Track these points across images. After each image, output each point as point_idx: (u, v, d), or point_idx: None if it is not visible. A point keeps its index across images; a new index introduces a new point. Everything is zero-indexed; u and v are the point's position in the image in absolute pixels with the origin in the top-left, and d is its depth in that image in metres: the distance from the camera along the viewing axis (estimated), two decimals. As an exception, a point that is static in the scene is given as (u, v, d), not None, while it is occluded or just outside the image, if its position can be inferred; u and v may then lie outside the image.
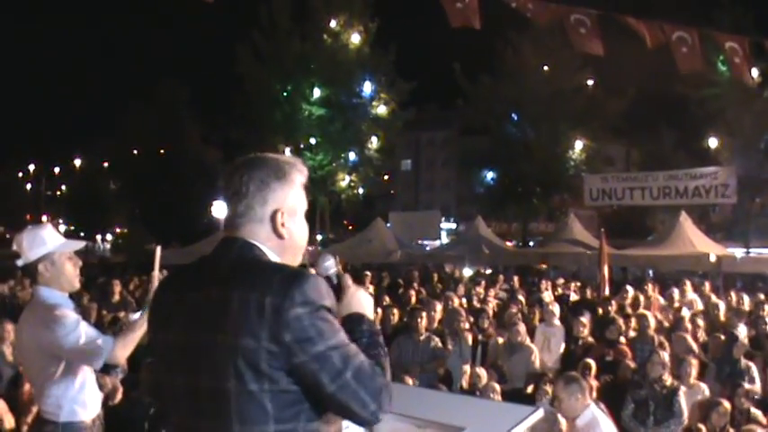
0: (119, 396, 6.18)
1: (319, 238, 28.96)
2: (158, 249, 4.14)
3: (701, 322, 10.38)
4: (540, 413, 2.61)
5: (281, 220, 2.13)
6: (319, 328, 1.93)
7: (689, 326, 10.15)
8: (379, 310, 10.24)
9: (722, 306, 11.93)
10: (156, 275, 4.15)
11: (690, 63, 9.51)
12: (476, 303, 13.17)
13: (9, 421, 5.19)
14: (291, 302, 1.91)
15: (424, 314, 9.14)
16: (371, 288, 14.71)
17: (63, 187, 69.90)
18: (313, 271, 2.24)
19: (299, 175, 2.20)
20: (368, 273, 16.55)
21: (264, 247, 2.12)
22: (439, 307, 10.36)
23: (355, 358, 1.98)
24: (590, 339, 9.53)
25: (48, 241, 3.96)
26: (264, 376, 1.92)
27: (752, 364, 8.38)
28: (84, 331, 3.82)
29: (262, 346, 1.90)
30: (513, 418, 2.49)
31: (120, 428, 5.79)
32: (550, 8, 9.12)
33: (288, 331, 1.90)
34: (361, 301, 2.25)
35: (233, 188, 2.13)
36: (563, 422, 5.89)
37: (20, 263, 3.98)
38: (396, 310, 10.30)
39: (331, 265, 2.33)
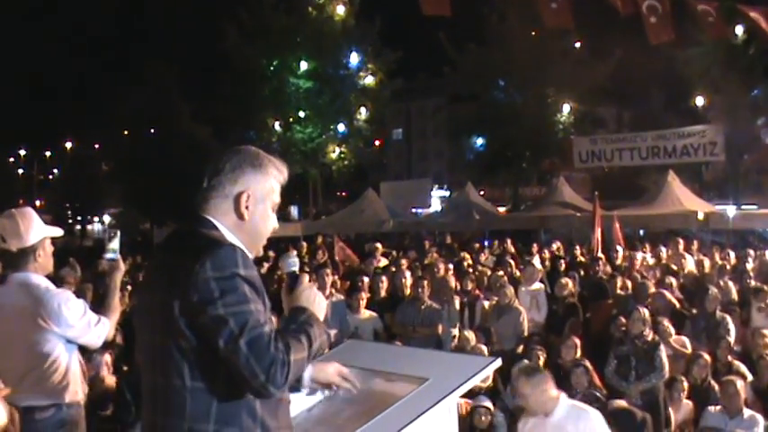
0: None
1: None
2: (118, 233, 4.30)
3: (674, 281, 10.43)
4: (497, 362, 2.80)
5: (246, 203, 2.33)
6: (224, 292, 2.09)
7: (673, 282, 10.33)
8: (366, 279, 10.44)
9: (707, 263, 12.12)
10: (117, 258, 4.20)
11: (660, 34, 9.63)
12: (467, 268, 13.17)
13: None
14: (202, 266, 2.10)
15: (425, 283, 9.46)
16: (383, 260, 14.29)
17: (55, 171, 69.60)
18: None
19: (275, 171, 2.40)
20: (378, 245, 15.61)
21: (220, 223, 2.32)
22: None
23: (255, 329, 2.08)
24: (571, 300, 9.73)
25: (42, 226, 3.94)
26: (180, 333, 2.14)
27: (727, 317, 8.51)
28: (91, 314, 3.91)
29: (176, 304, 2.12)
30: (473, 367, 2.68)
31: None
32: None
33: (195, 292, 2.09)
34: (309, 299, 2.38)
35: (213, 167, 2.35)
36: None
37: (14, 247, 3.84)
38: (384, 278, 10.45)
39: (293, 263, 2.55)
